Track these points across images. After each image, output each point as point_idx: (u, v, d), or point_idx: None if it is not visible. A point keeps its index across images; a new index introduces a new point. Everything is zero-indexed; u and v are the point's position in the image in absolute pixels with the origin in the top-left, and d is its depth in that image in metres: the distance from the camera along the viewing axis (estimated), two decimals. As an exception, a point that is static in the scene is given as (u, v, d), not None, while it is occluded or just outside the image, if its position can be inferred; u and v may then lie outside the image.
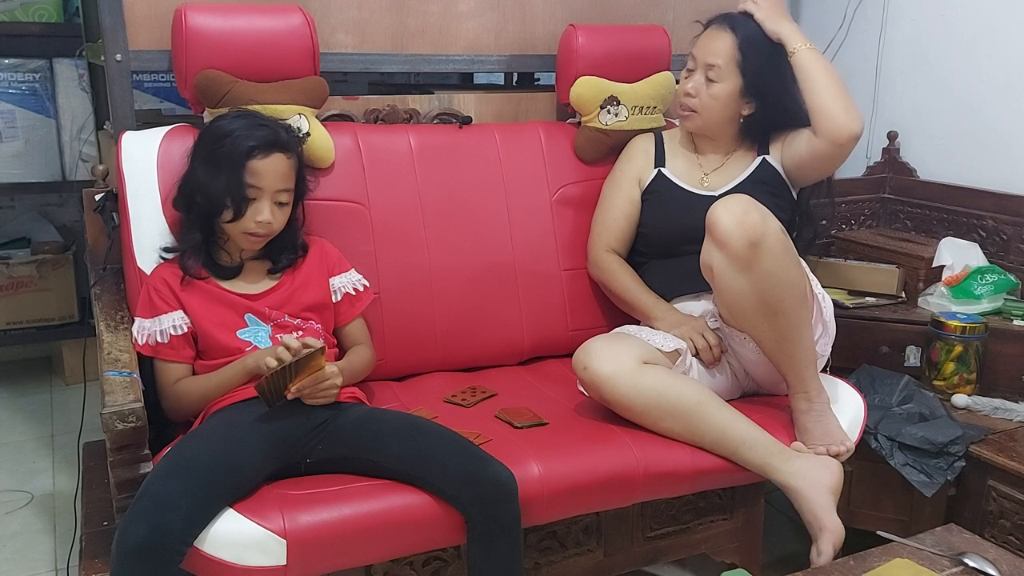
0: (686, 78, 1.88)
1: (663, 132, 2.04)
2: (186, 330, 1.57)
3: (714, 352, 1.75)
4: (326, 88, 1.84)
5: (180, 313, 1.58)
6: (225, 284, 1.61)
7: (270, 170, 1.57)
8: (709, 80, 1.84)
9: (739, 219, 1.56)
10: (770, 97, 1.85)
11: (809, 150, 1.82)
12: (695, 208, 1.70)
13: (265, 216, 1.57)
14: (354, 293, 1.72)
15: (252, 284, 1.64)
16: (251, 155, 1.55)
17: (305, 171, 1.69)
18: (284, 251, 1.66)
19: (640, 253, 1.97)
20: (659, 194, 1.94)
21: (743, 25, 1.84)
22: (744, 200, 1.59)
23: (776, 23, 1.82)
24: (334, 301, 1.70)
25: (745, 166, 1.91)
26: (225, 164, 1.55)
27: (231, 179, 1.55)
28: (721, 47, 1.83)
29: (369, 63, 2.02)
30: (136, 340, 1.56)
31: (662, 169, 1.95)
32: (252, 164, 1.56)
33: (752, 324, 1.63)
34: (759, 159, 1.91)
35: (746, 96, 1.85)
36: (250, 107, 1.70)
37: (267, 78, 1.76)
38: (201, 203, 1.59)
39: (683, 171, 1.95)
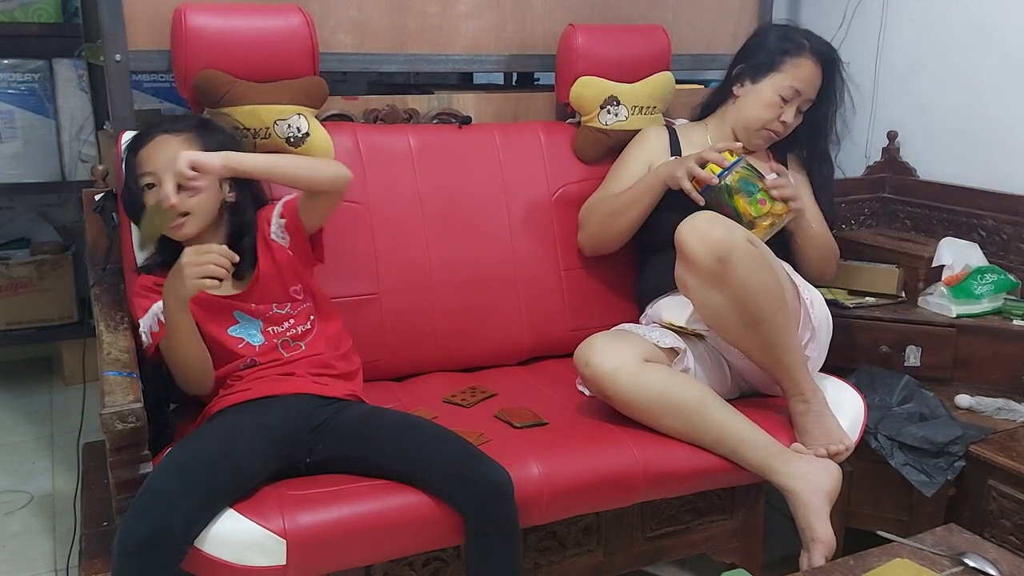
0: (781, 107, 1.87)
1: (674, 127, 2.04)
2: None
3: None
4: (326, 88, 1.84)
5: None
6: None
7: (156, 153, 1.54)
8: (798, 111, 1.90)
9: (703, 236, 1.57)
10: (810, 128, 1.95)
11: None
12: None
13: (170, 200, 1.46)
14: (284, 219, 1.61)
15: (231, 287, 1.59)
16: (137, 148, 1.57)
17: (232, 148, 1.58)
18: (243, 240, 1.59)
19: (646, 247, 1.95)
20: None
21: (832, 63, 1.90)
22: (708, 216, 1.61)
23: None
24: (286, 243, 1.61)
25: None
26: (126, 171, 1.58)
27: (128, 181, 1.57)
28: (817, 82, 1.89)
29: (369, 63, 2.02)
30: (149, 344, 1.54)
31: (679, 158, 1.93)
32: (139, 155, 1.56)
33: (736, 336, 1.63)
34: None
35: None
36: (248, 106, 1.69)
37: (267, 78, 1.76)
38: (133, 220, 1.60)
39: None
